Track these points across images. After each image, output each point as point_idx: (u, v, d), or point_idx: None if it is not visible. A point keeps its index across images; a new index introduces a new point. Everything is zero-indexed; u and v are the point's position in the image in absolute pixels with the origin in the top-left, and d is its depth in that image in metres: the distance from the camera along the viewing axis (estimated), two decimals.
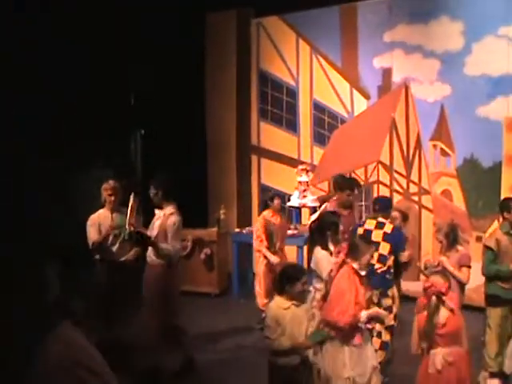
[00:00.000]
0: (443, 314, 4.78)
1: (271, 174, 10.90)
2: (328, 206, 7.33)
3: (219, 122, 11.33)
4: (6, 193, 10.16)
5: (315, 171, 9.96)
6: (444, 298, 4.78)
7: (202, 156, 11.30)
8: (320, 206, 8.48)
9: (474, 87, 8.67)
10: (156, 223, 6.30)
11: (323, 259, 5.80)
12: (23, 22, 9.61)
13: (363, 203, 9.75)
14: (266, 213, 8.17)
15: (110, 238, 6.82)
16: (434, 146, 9.20)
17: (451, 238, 6.25)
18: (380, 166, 9.64)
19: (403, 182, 9.46)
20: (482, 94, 8.61)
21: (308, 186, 9.34)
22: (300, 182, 9.27)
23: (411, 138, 9.37)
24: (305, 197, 9.28)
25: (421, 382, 4.95)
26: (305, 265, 9.10)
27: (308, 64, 10.42)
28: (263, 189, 10.99)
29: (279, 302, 5.05)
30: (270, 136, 10.90)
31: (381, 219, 6.24)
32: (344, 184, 7.24)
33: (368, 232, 6.16)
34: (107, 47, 10.25)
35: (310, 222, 6.99)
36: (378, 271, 5.99)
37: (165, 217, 6.27)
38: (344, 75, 10.07)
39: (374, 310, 5.33)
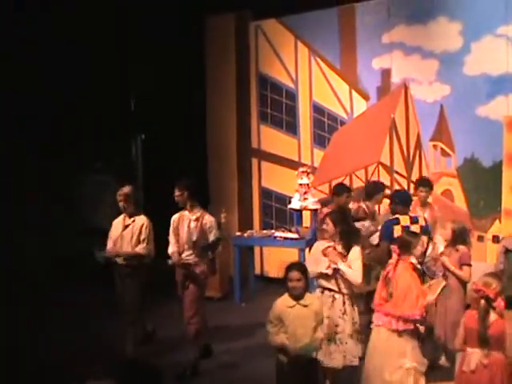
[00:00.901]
0: (491, 316, 4.77)
1: (272, 177, 10.89)
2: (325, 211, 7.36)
3: (219, 125, 11.33)
4: (7, 193, 10.19)
5: (316, 173, 9.95)
6: (493, 302, 4.77)
7: (203, 159, 11.29)
8: (321, 209, 8.50)
9: (474, 87, 8.66)
10: (191, 225, 6.64)
11: None
12: (23, 22, 9.66)
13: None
14: None
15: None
16: (435, 146, 9.19)
17: (456, 236, 6.29)
18: (380, 167, 9.63)
19: (404, 182, 9.45)
20: (482, 94, 8.61)
21: (309, 188, 9.31)
22: (301, 185, 9.25)
23: (411, 138, 9.36)
24: (306, 199, 9.26)
25: (457, 377, 5.01)
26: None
27: (307, 66, 10.42)
28: (264, 192, 10.98)
29: (285, 300, 5.13)
30: (271, 139, 10.90)
31: (412, 214, 6.52)
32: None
33: (406, 227, 6.36)
34: (107, 50, 10.28)
35: None
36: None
37: (198, 221, 6.61)
38: (343, 77, 10.06)
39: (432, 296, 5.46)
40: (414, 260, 5.35)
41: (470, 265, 6.26)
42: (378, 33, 9.51)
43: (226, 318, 8.69)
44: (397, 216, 6.63)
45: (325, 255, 5.75)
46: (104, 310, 7.93)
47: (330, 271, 5.70)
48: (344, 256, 5.73)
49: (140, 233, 6.91)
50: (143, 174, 11.76)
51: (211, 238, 6.69)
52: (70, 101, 10.53)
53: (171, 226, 6.94)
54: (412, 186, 9.31)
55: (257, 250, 10.51)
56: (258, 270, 10.59)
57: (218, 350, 7.43)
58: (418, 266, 5.40)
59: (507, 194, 8.38)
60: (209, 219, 6.68)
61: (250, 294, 9.84)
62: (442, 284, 5.94)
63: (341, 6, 9.96)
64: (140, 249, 6.90)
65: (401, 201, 6.64)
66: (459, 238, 6.31)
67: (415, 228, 6.44)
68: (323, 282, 5.81)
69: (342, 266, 5.69)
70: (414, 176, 9.28)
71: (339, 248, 5.77)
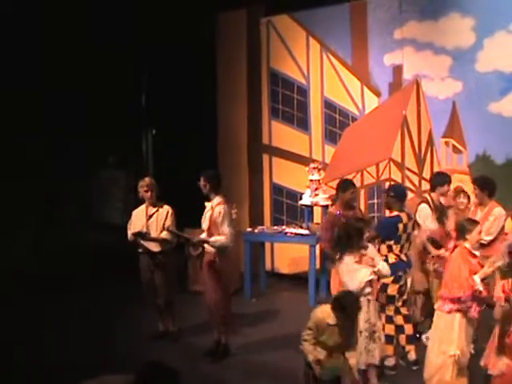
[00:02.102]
0: None
1: (283, 173, 10.89)
2: (332, 209, 7.39)
3: (230, 121, 11.34)
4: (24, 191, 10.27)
5: (327, 169, 9.94)
6: None
7: (214, 155, 11.30)
8: (332, 205, 8.47)
9: (486, 83, 8.62)
10: (207, 215, 6.81)
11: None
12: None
13: (375, 201, 9.72)
14: None
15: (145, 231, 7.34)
16: (446, 142, 9.16)
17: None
18: (392, 163, 9.60)
19: (415, 179, 9.42)
20: (494, 90, 8.56)
21: (320, 184, 9.33)
22: (311, 181, 9.27)
23: (423, 135, 9.33)
24: (317, 195, 9.28)
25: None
26: (317, 263, 9.13)
27: (318, 62, 10.40)
28: (275, 188, 10.99)
29: (326, 312, 5.16)
30: (282, 135, 10.89)
31: (407, 211, 6.56)
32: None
33: (405, 226, 6.44)
34: (118, 46, 10.31)
35: None
36: None
37: (212, 209, 6.75)
38: (354, 73, 10.03)
39: (482, 272, 5.41)
40: (468, 245, 5.45)
41: None
42: (390, 29, 9.47)
43: (236, 313, 8.70)
44: (397, 214, 6.54)
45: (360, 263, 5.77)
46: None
47: (374, 275, 5.77)
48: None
49: (166, 220, 7.36)
50: (154, 169, 11.80)
51: (219, 228, 6.74)
52: (81, 97, 10.58)
53: None
54: (423, 182, 9.31)
55: (267, 245, 10.53)
56: (268, 266, 10.60)
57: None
58: (475, 252, 5.47)
59: None
60: (217, 210, 6.74)
61: (261, 289, 9.86)
62: (499, 262, 5.87)
63: (353, 2, 9.94)
64: (165, 235, 7.35)
65: (397, 195, 6.61)
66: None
67: (410, 226, 6.56)
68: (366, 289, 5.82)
69: (380, 264, 5.82)
70: (426, 173, 9.26)
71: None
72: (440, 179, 7.15)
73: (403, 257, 6.42)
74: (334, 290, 6.49)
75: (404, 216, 6.50)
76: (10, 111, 9.84)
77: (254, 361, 6.92)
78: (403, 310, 6.40)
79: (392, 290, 6.32)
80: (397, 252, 6.37)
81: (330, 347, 5.13)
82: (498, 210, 7.09)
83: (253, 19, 11.06)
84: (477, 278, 5.25)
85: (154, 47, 10.67)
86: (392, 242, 6.38)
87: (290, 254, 10.47)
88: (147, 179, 7.53)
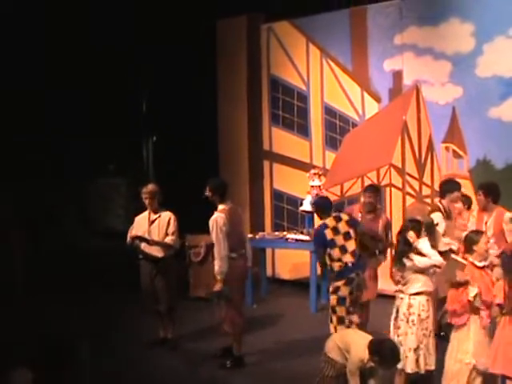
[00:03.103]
0: None
1: (283, 179, 10.90)
2: (354, 210, 7.37)
3: (231, 127, 11.36)
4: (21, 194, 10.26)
5: (327, 175, 9.94)
6: None
7: (214, 161, 11.32)
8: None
9: (486, 88, 8.62)
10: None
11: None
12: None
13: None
14: None
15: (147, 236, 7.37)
16: (447, 148, 9.15)
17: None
18: (392, 168, 9.60)
19: (416, 184, 9.42)
20: (494, 95, 8.57)
21: (320, 190, 9.32)
22: (312, 187, 9.26)
23: (423, 140, 9.33)
24: None
25: None
26: (318, 269, 9.10)
27: (318, 68, 10.42)
28: (275, 194, 10.99)
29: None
30: (282, 141, 10.91)
31: (335, 214, 6.59)
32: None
33: (335, 229, 6.45)
34: (118, 52, 10.34)
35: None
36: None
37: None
38: (355, 79, 10.05)
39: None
40: (471, 258, 5.43)
41: None
42: (390, 34, 9.49)
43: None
44: (323, 221, 6.60)
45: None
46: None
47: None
48: None
49: (168, 226, 7.39)
50: (155, 175, 11.81)
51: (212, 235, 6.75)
52: (81, 104, 10.60)
53: None
54: (424, 187, 9.31)
55: (268, 251, 10.52)
56: (269, 272, 10.59)
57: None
58: (479, 264, 5.40)
59: None
60: (213, 218, 6.73)
61: (262, 295, 9.85)
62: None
63: (353, 8, 9.97)
64: (169, 240, 7.39)
65: (321, 209, 6.76)
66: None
67: (342, 226, 6.46)
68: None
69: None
70: (426, 178, 9.26)
71: None
72: (450, 186, 7.15)
73: (350, 259, 6.40)
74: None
75: (330, 221, 6.52)
76: (9, 111, 9.86)
77: (256, 367, 6.89)
78: (354, 317, 6.37)
79: (343, 292, 6.32)
80: (338, 256, 6.39)
81: None
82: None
83: (253, 26, 11.10)
84: (472, 290, 5.29)
85: (155, 53, 10.69)
86: (328, 250, 6.41)
87: (290, 260, 10.46)
88: (150, 186, 7.53)
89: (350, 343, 5.32)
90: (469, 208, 7.81)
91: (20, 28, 9.65)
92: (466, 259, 5.52)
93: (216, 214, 6.70)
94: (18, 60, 9.74)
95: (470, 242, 5.53)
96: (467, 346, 5.43)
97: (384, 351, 5.13)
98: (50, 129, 10.44)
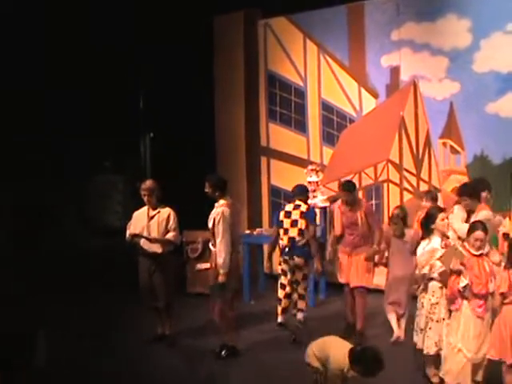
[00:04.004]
0: None
1: (281, 175, 10.89)
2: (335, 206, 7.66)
3: (228, 123, 11.34)
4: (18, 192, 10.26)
5: (325, 171, 9.94)
6: None
7: (212, 158, 11.31)
8: (330, 206, 8.54)
9: (483, 84, 8.63)
10: (212, 216, 6.88)
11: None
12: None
13: (373, 201, 9.72)
14: None
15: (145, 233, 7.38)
16: (444, 143, 9.17)
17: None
18: (390, 164, 9.61)
19: (413, 180, 9.43)
20: (491, 91, 8.58)
21: (318, 186, 9.34)
22: (310, 183, 9.27)
23: (420, 136, 9.34)
24: (315, 197, 9.28)
25: None
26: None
27: (316, 64, 10.41)
28: (273, 190, 10.99)
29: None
30: (279, 137, 10.90)
31: (297, 202, 7.39)
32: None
33: (288, 213, 7.36)
34: (114, 49, 10.32)
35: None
36: (299, 244, 7.25)
37: (215, 210, 6.84)
38: (352, 74, 10.05)
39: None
40: (467, 245, 5.56)
41: None
42: (387, 30, 9.49)
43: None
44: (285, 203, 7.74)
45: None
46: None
47: None
48: None
49: (168, 222, 7.39)
50: (152, 172, 11.80)
51: (218, 230, 6.80)
52: (79, 99, 10.58)
53: None
54: (421, 183, 9.32)
55: (266, 248, 10.51)
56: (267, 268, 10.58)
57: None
58: (475, 252, 5.52)
59: None
60: (218, 210, 6.79)
61: (260, 291, 9.85)
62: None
63: (350, 4, 9.96)
64: (170, 236, 7.40)
65: (297, 193, 7.56)
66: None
67: (295, 214, 7.30)
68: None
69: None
70: (424, 173, 9.27)
71: None
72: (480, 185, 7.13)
73: (287, 243, 7.29)
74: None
75: (289, 206, 7.44)
76: (10, 111, 9.85)
77: (254, 361, 6.90)
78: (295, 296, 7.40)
79: (282, 267, 7.44)
80: (281, 237, 7.37)
81: None
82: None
83: (250, 21, 11.09)
84: (462, 280, 5.43)
85: (151, 49, 10.68)
86: (279, 228, 7.41)
87: None
88: (148, 182, 7.51)
89: (329, 352, 5.22)
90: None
91: (20, 28, 9.65)
92: (463, 247, 5.59)
93: (221, 208, 6.74)
94: (18, 60, 9.73)
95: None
96: (457, 331, 5.53)
97: (366, 360, 5.02)
98: (50, 129, 10.43)
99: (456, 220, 6.65)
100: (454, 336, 5.54)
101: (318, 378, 5.27)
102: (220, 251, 6.68)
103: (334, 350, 5.22)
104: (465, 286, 5.42)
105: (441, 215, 5.93)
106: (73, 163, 11.05)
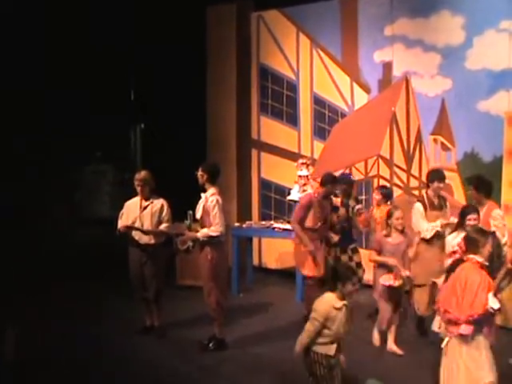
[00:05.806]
0: None
1: (271, 168, 10.90)
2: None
3: (219, 115, 11.32)
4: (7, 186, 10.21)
5: (315, 165, 9.95)
6: None
7: (202, 150, 11.28)
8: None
9: (475, 81, 8.64)
10: (201, 205, 6.89)
11: None
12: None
13: (364, 197, 9.74)
14: None
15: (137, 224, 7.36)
16: (435, 140, 9.19)
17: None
18: (380, 159, 9.63)
19: (403, 176, 9.45)
20: (483, 88, 8.59)
21: (308, 179, 9.32)
22: (300, 176, 9.25)
23: (412, 132, 9.36)
24: (305, 191, 9.26)
25: None
26: None
27: (308, 58, 10.40)
28: (263, 183, 10.99)
29: (332, 300, 5.07)
30: (271, 130, 10.90)
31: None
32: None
33: None
34: (105, 40, 10.28)
35: None
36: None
37: (206, 199, 6.85)
38: (344, 69, 10.05)
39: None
40: (480, 259, 4.90)
41: None
42: (380, 25, 9.49)
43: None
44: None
45: None
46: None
47: None
48: None
49: (161, 213, 7.41)
50: (142, 163, 11.78)
51: (211, 219, 6.83)
52: (69, 90, 10.55)
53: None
54: (411, 179, 9.34)
55: (255, 241, 10.53)
56: (256, 261, 10.61)
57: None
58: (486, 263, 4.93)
59: (507, 189, 8.39)
60: (211, 199, 6.83)
61: (248, 284, 9.86)
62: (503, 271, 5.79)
63: None
64: (164, 227, 7.43)
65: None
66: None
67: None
68: None
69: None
70: (414, 169, 9.29)
71: None
72: (431, 176, 7.30)
73: None
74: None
75: None
76: (9, 111, 9.83)
77: (243, 354, 6.91)
78: None
79: None
80: None
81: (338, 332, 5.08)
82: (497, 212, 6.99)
83: (243, 13, 11.06)
84: (490, 296, 4.72)
85: (143, 41, 10.64)
86: None
87: (277, 249, 10.48)
88: (142, 173, 7.49)
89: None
90: (387, 201, 7.97)
91: (20, 28, 9.60)
92: (469, 260, 4.98)
93: (214, 196, 6.79)
94: (18, 60, 9.69)
95: (475, 243, 4.99)
96: (480, 362, 4.82)
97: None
98: (50, 129, 10.41)
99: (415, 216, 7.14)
100: (483, 371, 4.80)
101: (318, 368, 5.14)
102: (215, 224, 6.75)
103: (322, 299, 5.14)
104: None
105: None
106: (72, 161, 11.05)
